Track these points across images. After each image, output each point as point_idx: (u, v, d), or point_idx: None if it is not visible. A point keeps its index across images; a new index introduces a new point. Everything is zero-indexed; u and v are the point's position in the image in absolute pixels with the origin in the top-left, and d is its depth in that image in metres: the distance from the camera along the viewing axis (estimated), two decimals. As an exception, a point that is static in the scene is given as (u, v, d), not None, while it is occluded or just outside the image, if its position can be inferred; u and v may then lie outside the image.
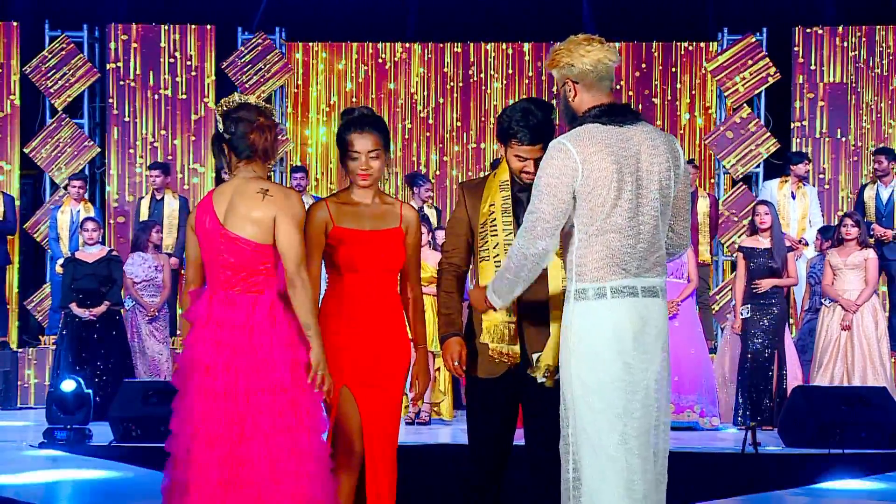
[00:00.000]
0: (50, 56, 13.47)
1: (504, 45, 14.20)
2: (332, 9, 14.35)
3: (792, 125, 13.42)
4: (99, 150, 13.68)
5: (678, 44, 14.14)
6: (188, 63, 13.65)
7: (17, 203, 13.06)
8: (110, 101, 13.63)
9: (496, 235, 4.60)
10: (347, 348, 4.66)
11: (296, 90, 14.40)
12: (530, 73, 14.11)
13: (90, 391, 9.16)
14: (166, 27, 13.69)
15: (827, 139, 13.37)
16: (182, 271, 12.05)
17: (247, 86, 13.41)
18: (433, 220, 11.46)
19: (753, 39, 13.32)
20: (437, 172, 14.12)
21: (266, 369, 4.40)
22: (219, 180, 4.59)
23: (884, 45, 13.37)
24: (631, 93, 14.03)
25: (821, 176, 13.27)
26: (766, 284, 10.03)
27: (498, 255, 4.58)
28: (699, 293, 11.29)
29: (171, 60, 13.65)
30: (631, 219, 4.01)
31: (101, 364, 10.69)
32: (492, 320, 4.58)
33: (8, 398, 11.80)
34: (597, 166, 3.98)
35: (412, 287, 4.82)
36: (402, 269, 4.79)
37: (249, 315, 4.43)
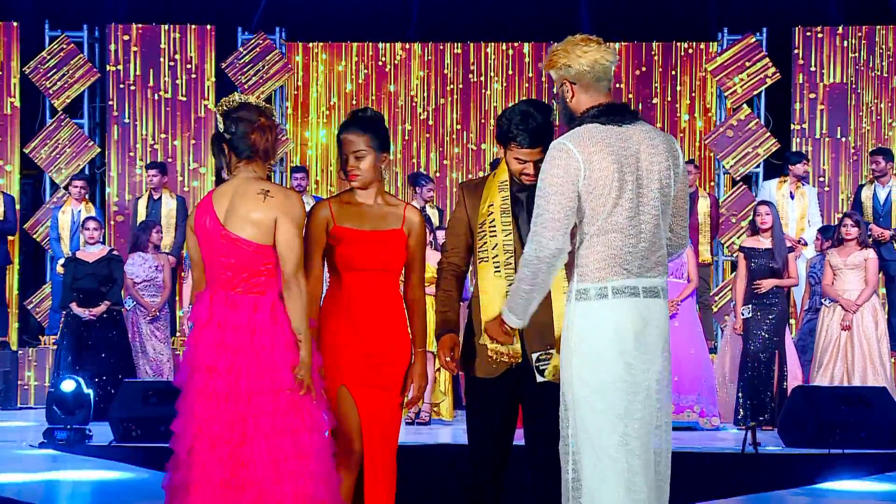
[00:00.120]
0: (50, 56, 13.47)
1: (504, 46, 14.20)
2: (332, 9, 14.34)
3: (792, 126, 13.42)
4: (99, 150, 13.68)
5: (678, 45, 14.14)
6: (188, 66, 13.64)
7: (17, 203, 13.05)
8: (110, 103, 13.63)
9: (495, 236, 4.60)
10: (346, 348, 4.66)
11: (296, 92, 14.39)
12: (530, 75, 14.11)
13: (90, 391, 9.16)
14: (166, 27, 13.69)
15: (827, 139, 13.37)
16: (182, 273, 12.06)
17: (246, 86, 13.41)
18: (435, 221, 11.46)
19: (753, 39, 13.32)
20: (437, 174, 14.11)
21: (268, 370, 4.40)
22: (219, 182, 4.59)
23: (884, 46, 13.37)
24: (631, 95, 14.03)
25: (821, 179, 13.27)
26: (767, 285, 10.03)
27: (497, 255, 4.58)
28: (699, 293, 11.29)
29: (171, 64, 13.64)
30: (632, 218, 4.01)
31: (101, 364, 10.69)
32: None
33: (8, 398, 11.80)
34: (598, 166, 3.98)
35: (413, 289, 4.80)
36: (405, 270, 4.79)
37: (251, 316, 4.43)
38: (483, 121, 14.18)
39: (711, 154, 13.78)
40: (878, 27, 13.40)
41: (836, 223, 10.79)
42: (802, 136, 13.37)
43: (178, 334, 12.29)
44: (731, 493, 7.31)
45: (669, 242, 4.20)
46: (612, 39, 13.74)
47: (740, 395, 10.02)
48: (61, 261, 11.95)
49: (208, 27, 13.71)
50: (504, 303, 4.18)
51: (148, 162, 13.21)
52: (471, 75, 14.23)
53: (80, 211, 12.35)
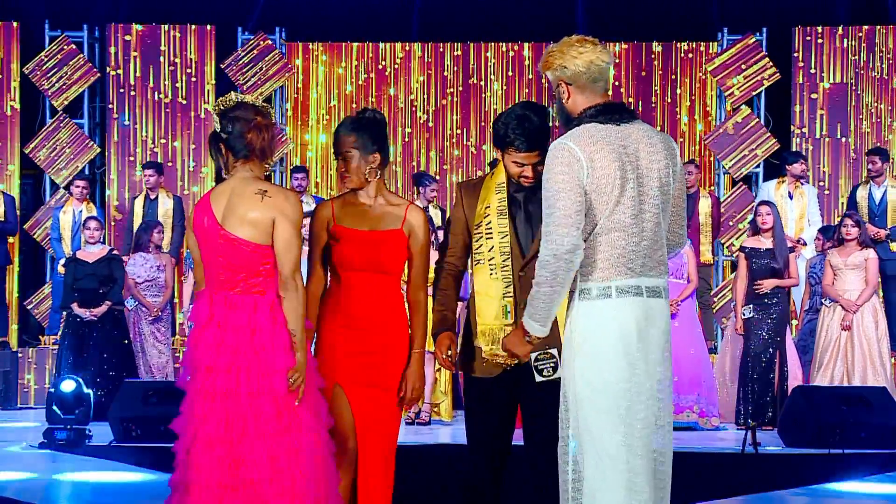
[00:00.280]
0: (50, 56, 13.47)
1: (504, 48, 14.20)
2: (332, 9, 14.34)
3: (792, 127, 13.42)
4: (99, 150, 13.68)
5: (678, 46, 14.13)
6: (188, 70, 13.64)
7: (17, 203, 13.05)
8: (110, 106, 13.62)
9: (491, 238, 4.59)
10: (341, 347, 4.66)
11: (296, 94, 14.39)
12: (530, 76, 14.11)
13: (90, 391, 9.15)
14: (166, 27, 13.68)
15: (827, 140, 13.37)
16: (182, 274, 12.05)
17: (246, 87, 13.40)
18: (437, 221, 11.46)
19: (753, 39, 13.32)
20: (437, 176, 14.10)
21: (267, 371, 4.40)
22: (220, 182, 4.58)
23: (884, 48, 13.36)
24: (631, 99, 14.02)
25: (821, 183, 13.26)
26: (768, 285, 10.03)
27: (493, 258, 4.57)
28: (700, 293, 11.29)
29: (171, 68, 13.63)
30: (634, 216, 4.01)
31: (103, 364, 10.68)
32: (487, 323, 4.57)
33: (8, 398, 11.80)
34: (600, 164, 3.98)
35: (416, 290, 4.78)
36: (408, 270, 4.78)
37: (251, 317, 4.43)
38: (483, 123, 14.17)
39: (712, 158, 13.77)
40: (879, 28, 13.40)
41: (837, 223, 10.79)
42: (802, 136, 13.37)
43: (177, 334, 12.28)
44: (731, 493, 7.31)
45: (667, 241, 4.20)
46: (612, 40, 13.76)
47: (740, 395, 10.02)
48: (62, 261, 11.95)
49: (208, 27, 13.71)
50: (524, 313, 4.09)
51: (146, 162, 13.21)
52: (471, 80, 14.22)
53: (81, 211, 12.35)
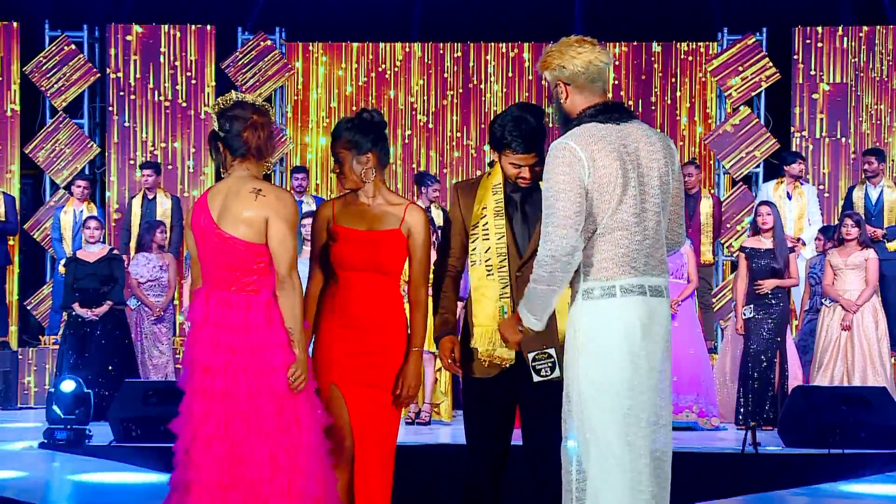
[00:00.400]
0: (49, 56, 13.46)
1: (504, 48, 14.20)
2: (332, 9, 14.34)
3: (792, 128, 13.42)
4: (99, 150, 13.68)
5: (678, 47, 14.12)
6: (188, 73, 13.63)
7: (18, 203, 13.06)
8: (110, 108, 13.62)
9: (487, 239, 4.59)
10: (337, 346, 4.65)
11: (296, 96, 14.38)
12: (530, 77, 14.10)
13: (90, 391, 9.15)
14: (166, 28, 13.68)
15: (827, 140, 13.37)
16: (182, 275, 12.05)
17: (245, 87, 13.40)
18: (439, 221, 11.45)
19: (753, 39, 13.32)
20: (437, 179, 14.09)
21: (264, 369, 4.41)
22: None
23: (884, 48, 13.36)
24: (630, 100, 14.02)
25: (821, 186, 13.26)
26: (768, 285, 10.02)
27: (489, 258, 4.57)
28: (700, 294, 11.28)
29: (171, 71, 13.63)
30: (637, 216, 4.01)
31: (104, 364, 10.68)
32: (483, 324, 4.57)
33: (8, 398, 11.80)
34: (601, 163, 3.98)
35: (416, 289, 4.76)
36: (408, 270, 4.77)
37: (246, 315, 4.43)
38: (483, 124, 14.16)
39: (712, 161, 13.77)
40: (879, 28, 13.40)
41: (837, 223, 10.80)
42: (802, 137, 13.37)
43: (177, 335, 12.27)
44: (731, 493, 7.31)
45: (666, 241, 4.20)
46: (612, 40, 13.76)
47: (740, 395, 10.02)
48: (63, 261, 11.95)
49: (208, 27, 13.71)
50: (521, 303, 4.13)
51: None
52: (470, 83, 14.21)
53: (81, 211, 12.35)
